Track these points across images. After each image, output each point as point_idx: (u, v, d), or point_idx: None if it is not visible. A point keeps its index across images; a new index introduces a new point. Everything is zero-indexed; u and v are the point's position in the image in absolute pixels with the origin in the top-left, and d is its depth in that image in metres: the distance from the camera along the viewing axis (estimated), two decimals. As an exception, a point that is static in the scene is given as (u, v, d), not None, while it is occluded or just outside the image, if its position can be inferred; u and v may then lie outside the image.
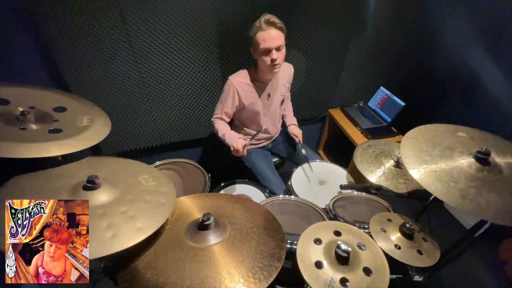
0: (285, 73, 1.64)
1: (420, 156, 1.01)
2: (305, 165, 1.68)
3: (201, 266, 0.80)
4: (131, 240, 0.76)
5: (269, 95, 1.59)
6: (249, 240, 0.90)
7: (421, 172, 0.96)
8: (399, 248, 1.00)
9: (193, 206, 1.07)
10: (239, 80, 1.49)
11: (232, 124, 1.77)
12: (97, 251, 0.71)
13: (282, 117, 1.86)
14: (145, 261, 0.82)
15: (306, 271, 0.85)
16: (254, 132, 1.73)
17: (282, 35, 1.36)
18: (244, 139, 1.50)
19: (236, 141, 1.40)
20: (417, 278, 1.15)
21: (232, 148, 1.40)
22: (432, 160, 0.99)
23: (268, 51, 1.36)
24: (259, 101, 1.58)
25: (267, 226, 0.97)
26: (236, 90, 1.48)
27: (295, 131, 1.78)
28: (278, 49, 1.37)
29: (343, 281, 0.84)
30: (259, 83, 1.54)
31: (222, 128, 1.54)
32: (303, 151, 1.71)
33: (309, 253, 0.91)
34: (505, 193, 0.86)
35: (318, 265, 0.87)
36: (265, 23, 1.31)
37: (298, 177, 1.60)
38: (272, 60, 1.37)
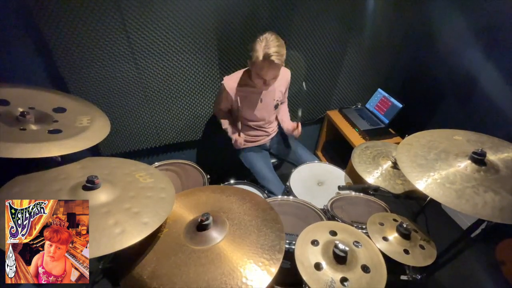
0: (281, 78, 1.63)
1: (415, 161, 1.02)
2: (302, 167, 1.69)
3: (205, 269, 0.80)
4: (140, 234, 0.77)
5: (261, 100, 1.60)
6: (249, 234, 0.91)
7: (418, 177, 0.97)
8: (386, 240, 1.03)
9: (189, 204, 1.06)
10: (232, 84, 1.52)
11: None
12: (108, 247, 0.72)
13: (280, 122, 1.86)
14: (149, 270, 0.82)
15: (307, 274, 0.85)
16: (248, 129, 1.74)
17: (278, 69, 1.38)
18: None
19: (235, 136, 1.61)
20: (404, 277, 1.16)
21: (233, 141, 1.63)
22: (427, 164, 1.00)
23: (261, 78, 1.40)
24: (251, 105, 1.60)
25: (265, 217, 0.97)
26: (228, 93, 1.51)
27: (291, 126, 1.72)
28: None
29: (343, 280, 0.84)
30: (253, 88, 1.55)
31: (224, 122, 1.69)
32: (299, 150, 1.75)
33: (308, 255, 0.91)
34: (502, 191, 0.87)
35: (318, 266, 0.88)
36: (264, 58, 1.30)
37: (297, 178, 1.61)
38: (264, 84, 1.44)
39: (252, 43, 1.37)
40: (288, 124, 1.77)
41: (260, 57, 1.31)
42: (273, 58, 1.29)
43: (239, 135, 1.60)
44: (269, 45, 1.30)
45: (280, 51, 1.31)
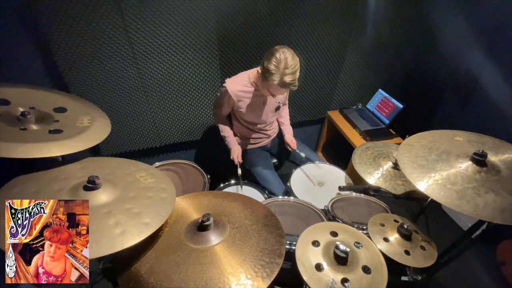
0: None
1: (416, 162, 1.02)
2: (305, 166, 1.68)
3: (203, 268, 0.80)
4: (141, 235, 0.77)
5: (264, 102, 1.59)
6: (249, 238, 0.91)
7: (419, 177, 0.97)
8: (387, 240, 1.03)
9: (190, 206, 1.07)
10: (235, 87, 1.49)
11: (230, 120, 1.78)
12: (109, 247, 0.72)
13: (279, 124, 1.86)
14: (147, 266, 0.82)
15: (307, 275, 0.85)
16: (250, 132, 1.74)
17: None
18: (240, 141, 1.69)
19: (233, 149, 1.64)
20: (405, 278, 1.16)
21: (231, 154, 1.64)
22: (428, 165, 1.00)
23: (271, 94, 1.47)
24: (254, 108, 1.58)
25: (266, 223, 0.98)
26: (231, 97, 1.50)
27: (289, 139, 1.76)
28: None
29: (344, 281, 0.84)
30: (255, 91, 1.53)
31: (224, 129, 1.67)
32: (303, 154, 1.71)
33: (308, 256, 0.91)
34: (503, 192, 0.87)
35: (318, 267, 0.88)
36: (281, 86, 1.31)
37: (297, 178, 1.61)
38: (271, 94, 1.49)
39: (267, 57, 1.29)
40: (287, 132, 1.79)
41: (276, 82, 1.30)
42: (291, 87, 1.34)
43: (236, 155, 1.64)
44: (286, 72, 1.27)
45: (296, 76, 1.31)
